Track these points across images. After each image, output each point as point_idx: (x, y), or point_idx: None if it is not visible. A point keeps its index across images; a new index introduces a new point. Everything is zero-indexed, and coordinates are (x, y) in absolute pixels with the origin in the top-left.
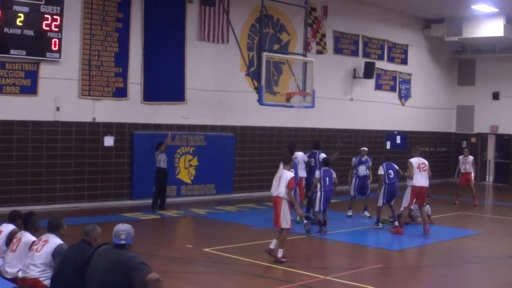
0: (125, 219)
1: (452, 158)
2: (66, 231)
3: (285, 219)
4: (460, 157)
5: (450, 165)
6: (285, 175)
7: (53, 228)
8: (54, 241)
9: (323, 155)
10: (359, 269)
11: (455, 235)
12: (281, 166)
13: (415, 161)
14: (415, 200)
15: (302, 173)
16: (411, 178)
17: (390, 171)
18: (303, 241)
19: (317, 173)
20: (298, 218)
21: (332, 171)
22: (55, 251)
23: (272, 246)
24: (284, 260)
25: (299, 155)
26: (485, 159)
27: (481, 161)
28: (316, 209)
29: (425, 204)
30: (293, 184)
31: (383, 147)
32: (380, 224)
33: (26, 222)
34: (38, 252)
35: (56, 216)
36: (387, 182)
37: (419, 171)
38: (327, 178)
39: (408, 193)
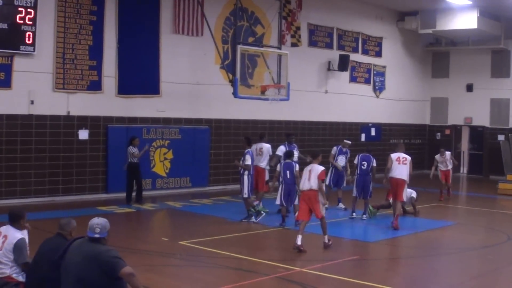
0: (101, 213)
1: (426, 150)
2: (26, 221)
3: (322, 208)
4: (437, 156)
5: (425, 157)
6: (315, 168)
7: (14, 219)
8: (13, 236)
9: (282, 148)
10: (334, 261)
11: (430, 226)
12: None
13: (394, 155)
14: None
15: (265, 164)
16: (388, 170)
17: (364, 162)
18: (278, 233)
19: (278, 166)
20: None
21: (294, 164)
22: (15, 248)
23: (299, 242)
24: (331, 242)
25: (266, 147)
26: (459, 151)
27: (455, 153)
28: (277, 202)
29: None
30: (323, 175)
31: (357, 139)
32: (353, 213)
33: None
34: (0, 250)
35: (18, 207)
36: (358, 172)
37: (399, 163)
38: (288, 171)
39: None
